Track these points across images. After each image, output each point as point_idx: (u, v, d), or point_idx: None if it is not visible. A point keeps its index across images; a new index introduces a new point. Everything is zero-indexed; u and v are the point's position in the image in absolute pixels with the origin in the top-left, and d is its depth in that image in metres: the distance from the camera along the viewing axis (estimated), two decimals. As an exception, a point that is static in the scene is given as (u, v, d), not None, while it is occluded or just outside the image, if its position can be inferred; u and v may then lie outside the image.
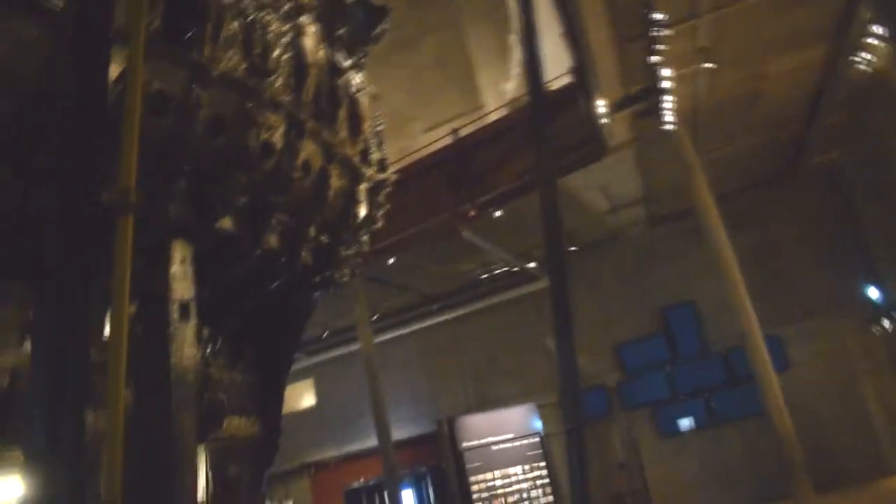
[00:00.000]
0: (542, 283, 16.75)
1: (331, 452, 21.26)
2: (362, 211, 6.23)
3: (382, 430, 15.50)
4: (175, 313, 4.41)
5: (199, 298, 5.11)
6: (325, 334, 20.56)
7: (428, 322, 20.29)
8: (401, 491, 16.14)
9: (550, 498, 16.50)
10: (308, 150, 5.26)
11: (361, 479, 19.72)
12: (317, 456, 21.60)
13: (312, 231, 5.65)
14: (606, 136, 13.19)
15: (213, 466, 5.47)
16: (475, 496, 16.62)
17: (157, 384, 4.30)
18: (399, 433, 18.79)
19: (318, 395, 22.54)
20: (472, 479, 16.77)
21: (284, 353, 6.69)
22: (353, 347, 17.01)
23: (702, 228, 14.06)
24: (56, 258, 3.20)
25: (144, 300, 4.64)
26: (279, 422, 6.52)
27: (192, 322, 4.52)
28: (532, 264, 17.20)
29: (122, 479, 2.83)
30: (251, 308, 5.93)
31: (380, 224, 6.70)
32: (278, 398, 6.60)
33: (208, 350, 5.70)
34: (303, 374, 22.46)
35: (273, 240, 5.34)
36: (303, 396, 22.76)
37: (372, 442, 16.68)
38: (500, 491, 16.70)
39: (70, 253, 3.17)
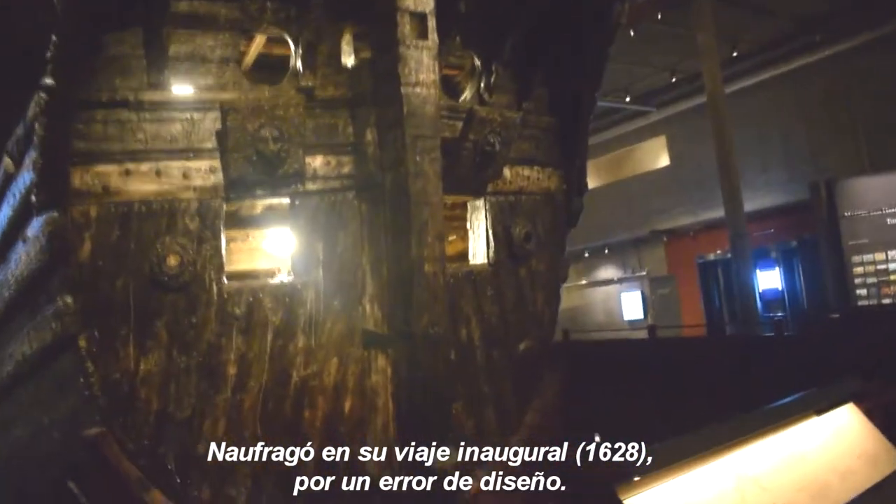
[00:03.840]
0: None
1: (686, 219, 20.61)
2: None
3: (729, 193, 14.47)
4: (406, 27, 3.73)
5: (455, 15, 4.45)
6: (674, 80, 18.94)
7: (806, 59, 17.43)
8: (760, 269, 14.99)
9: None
10: None
11: (718, 251, 19.22)
12: (671, 223, 21.12)
13: None
14: None
15: (495, 224, 5.15)
16: (857, 280, 14.72)
17: (391, 118, 3.80)
18: (767, 199, 17.63)
19: (672, 154, 21.51)
20: (856, 258, 14.83)
21: (584, 86, 5.84)
22: (709, 97, 15.34)
23: None
24: None
25: (372, 16, 4.07)
26: (583, 175, 5.94)
27: (432, 41, 3.83)
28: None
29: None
30: (531, 27, 5.10)
31: None
32: (581, 145, 6.01)
33: (481, 84, 5.13)
34: (653, 131, 21.72)
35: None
36: (654, 156, 22.03)
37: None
38: (893, 277, 14.53)
39: None
